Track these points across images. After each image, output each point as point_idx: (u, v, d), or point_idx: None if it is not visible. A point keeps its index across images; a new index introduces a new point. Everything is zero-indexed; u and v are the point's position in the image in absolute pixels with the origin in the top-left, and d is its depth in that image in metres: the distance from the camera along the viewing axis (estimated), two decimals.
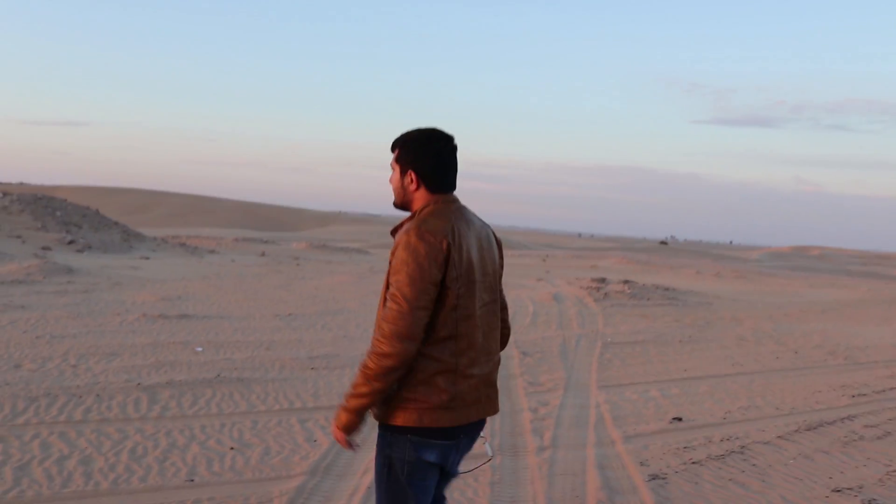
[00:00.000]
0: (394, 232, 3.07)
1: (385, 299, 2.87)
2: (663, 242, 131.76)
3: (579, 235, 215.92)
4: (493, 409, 3.07)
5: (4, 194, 26.15)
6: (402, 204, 3.07)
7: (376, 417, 2.93)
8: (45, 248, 22.45)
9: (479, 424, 3.04)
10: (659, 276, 31.91)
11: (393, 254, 2.86)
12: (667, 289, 20.96)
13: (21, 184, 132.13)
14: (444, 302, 2.82)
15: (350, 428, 2.88)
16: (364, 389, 2.79)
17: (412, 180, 3.00)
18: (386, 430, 2.91)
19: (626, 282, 21.49)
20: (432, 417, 2.83)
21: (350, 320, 13.82)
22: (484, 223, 3.18)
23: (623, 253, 62.57)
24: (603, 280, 21.46)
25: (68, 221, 26.03)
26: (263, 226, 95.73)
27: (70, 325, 11.48)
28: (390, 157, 3.10)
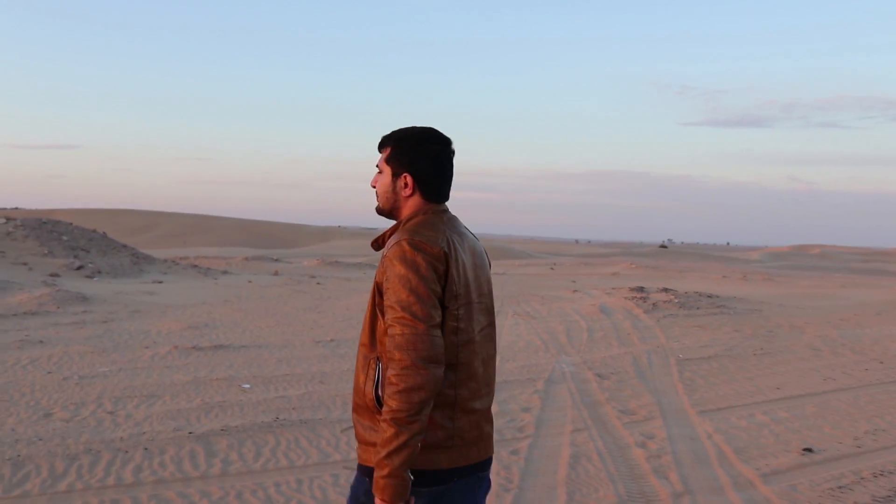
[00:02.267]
0: (376, 244, 2.78)
1: (369, 326, 2.58)
2: (663, 246, 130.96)
3: (577, 242, 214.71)
4: (491, 449, 2.72)
5: (8, 219, 25.08)
6: (389, 210, 2.73)
7: (359, 459, 2.58)
8: (54, 275, 21.38)
9: (478, 467, 2.64)
10: (682, 281, 30.92)
11: (382, 271, 2.50)
12: (710, 296, 19.93)
13: (16, 208, 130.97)
14: (445, 324, 2.48)
15: (399, 495, 2.37)
16: (400, 441, 2.35)
17: (406, 185, 2.66)
18: (365, 474, 2.54)
19: (665, 290, 20.47)
20: (427, 458, 2.47)
21: None
22: (475, 236, 2.83)
23: (629, 258, 61.76)
24: (642, 289, 20.44)
25: (75, 246, 24.95)
26: (264, 243, 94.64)
27: (97, 361, 10.41)
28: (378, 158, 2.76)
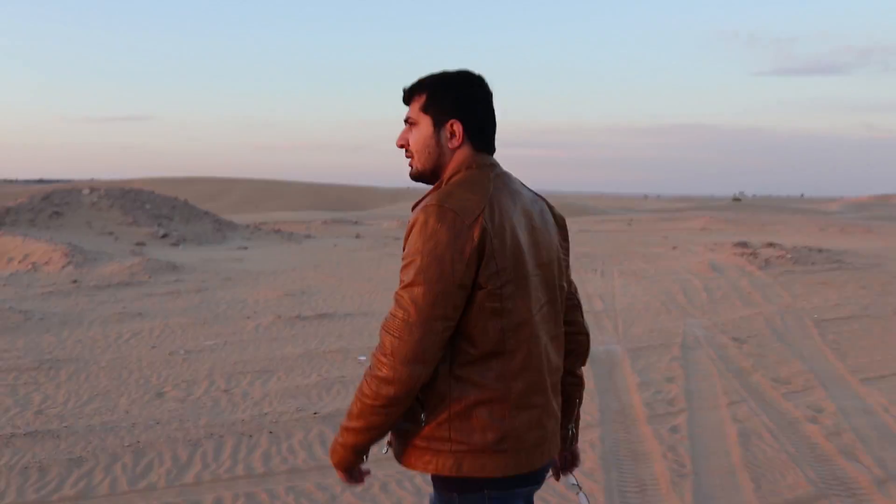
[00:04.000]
0: (415, 208, 2.29)
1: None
2: (736, 199, 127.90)
3: (645, 197, 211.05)
4: (557, 447, 2.34)
5: (92, 190, 24.98)
6: (432, 169, 2.31)
7: (410, 465, 2.23)
8: (140, 244, 21.17)
9: (541, 474, 2.28)
10: (774, 235, 29.64)
11: (406, 237, 2.15)
12: (820, 251, 18.79)
13: (92, 180, 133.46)
14: (480, 305, 2.10)
15: (345, 465, 2.27)
16: (359, 423, 2.17)
17: (454, 133, 2.26)
18: (441, 487, 2.22)
19: (772, 244, 19.40)
20: (476, 464, 2.14)
21: None
22: (537, 196, 2.42)
23: (705, 213, 59.87)
24: (746, 244, 19.40)
25: (158, 214, 24.74)
26: (335, 206, 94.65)
27: (200, 334, 9.94)
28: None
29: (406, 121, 2.33)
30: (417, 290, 2.05)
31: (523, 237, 2.18)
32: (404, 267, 2.11)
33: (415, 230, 2.10)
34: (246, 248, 22.44)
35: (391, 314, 2.10)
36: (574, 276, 15.23)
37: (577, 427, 2.64)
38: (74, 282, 14.42)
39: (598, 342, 9.28)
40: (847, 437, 6.07)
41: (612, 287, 13.73)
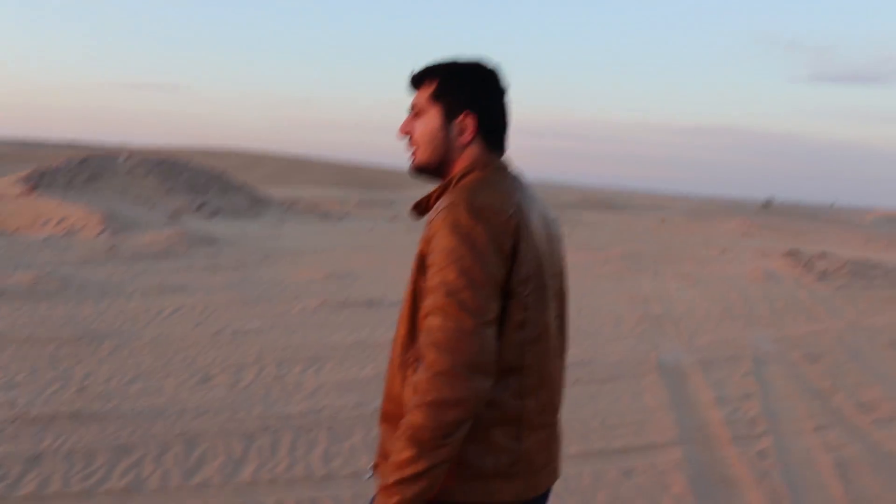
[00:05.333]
0: (419, 208, 2.10)
1: (409, 314, 1.96)
2: (766, 204, 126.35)
3: (675, 196, 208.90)
4: (558, 472, 2.14)
5: (128, 157, 24.64)
6: (437, 165, 2.06)
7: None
8: (175, 214, 20.83)
9: (545, 497, 2.06)
10: (818, 245, 28.93)
11: (427, 241, 1.89)
12: (874, 265, 18.15)
13: (122, 145, 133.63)
14: (508, 314, 1.89)
15: None
16: (418, 468, 1.78)
17: (466, 128, 2.03)
18: None
19: (823, 255, 18.79)
20: (484, 489, 1.91)
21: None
22: (545, 202, 2.15)
23: (738, 215, 58.89)
24: (797, 253, 18.79)
25: (194, 185, 24.37)
26: (366, 185, 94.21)
27: (244, 314, 9.52)
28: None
29: (411, 108, 2.10)
30: (465, 294, 1.81)
31: (543, 245, 2.00)
32: (438, 272, 1.84)
33: (443, 231, 1.86)
34: (282, 224, 22.05)
35: (436, 328, 1.82)
36: (625, 276, 14.99)
37: None
38: (111, 249, 14.08)
39: (664, 350, 8.80)
40: None
41: (666, 290, 13.21)
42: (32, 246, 14.07)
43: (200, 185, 24.81)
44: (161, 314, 9.19)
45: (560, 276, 2.13)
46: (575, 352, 8.53)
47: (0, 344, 7.43)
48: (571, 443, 5.80)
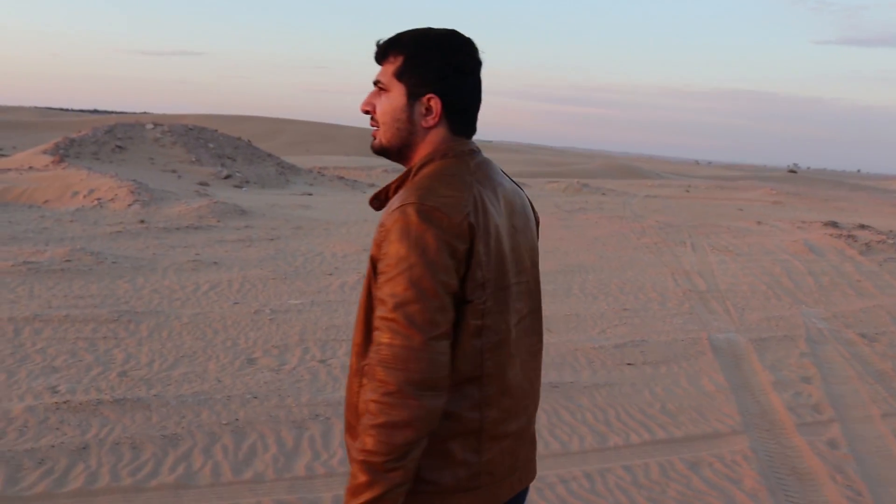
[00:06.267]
0: (377, 202, 1.97)
1: (364, 319, 1.86)
2: (791, 171, 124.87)
3: (697, 163, 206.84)
4: (532, 475, 2.06)
5: (156, 125, 24.46)
6: (398, 148, 1.94)
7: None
8: (203, 184, 20.66)
9: (515, 501, 1.97)
10: (850, 214, 28.43)
11: (378, 245, 1.78)
12: None
13: (145, 113, 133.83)
14: (464, 323, 1.78)
15: None
16: (373, 493, 1.71)
17: (430, 110, 1.89)
18: None
19: (863, 226, 18.37)
20: None
21: (639, 278, 11.30)
22: (516, 184, 2.05)
23: (763, 183, 58.04)
24: (836, 224, 18.38)
25: (222, 154, 24.17)
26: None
27: (282, 291, 9.33)
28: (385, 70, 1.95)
29: (375, 83, 1.96)
30: (413, 308, 1.71)
31: (505, 241, 1.88)
32: (386, 282, 1.73)
33: (392, 237, 1.74)
34: (310, 194, 21.84)
35: (384, 345, 1.73)
36: (662, 248, 14.67)
37: None
38: (142, 222, 13.92)
39: (714, 329, 8.53)
40: None
41: (708, 264, 12.89)
42: (63, 218, 13.93)
43: (227, 154, 24.62)
44: (198, 291, 9.02)
45: (530, 271, 2.00)
46: (624, 331, 8.29)
47: (37, 325, 7.27)
48: (633, 431, 5.59)
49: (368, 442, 1.72)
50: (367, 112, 1.98)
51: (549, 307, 9.20)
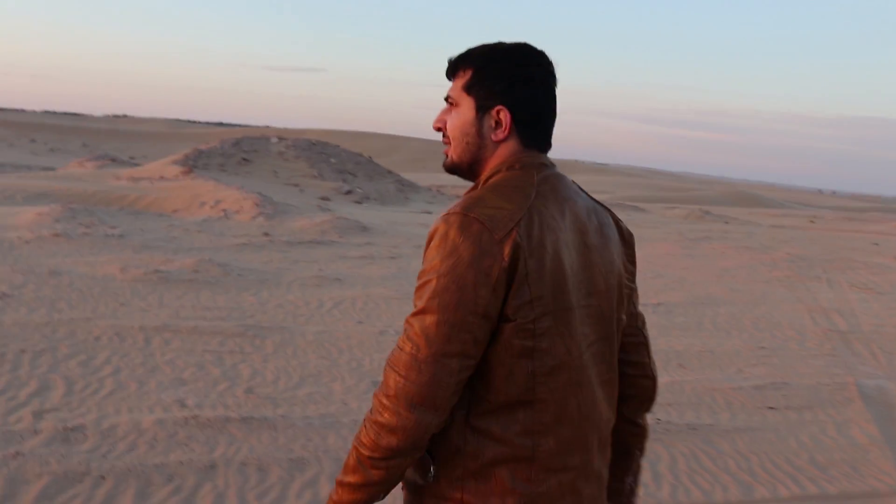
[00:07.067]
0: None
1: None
2: None
3: (820, 192, 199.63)
4: None
5: (280, 139, 24.95)
6: (469, 164, 1.87)
7: None
8: (324, 199, 20.91)
9: None
10: None
11: (425, 252, 1.74)
12: None
13: (267, 126, 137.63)
14: (506, 342, 1.69)
15: None
16: (355, 478, 1.74)
17: (500, 123, 1.82)
18: None
19: None
20: None
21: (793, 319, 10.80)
22: (599, 205, 1.94)
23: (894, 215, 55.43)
24: None
25: (343, 170, 24.46)
26: None
27: (405, 311, 9.20)
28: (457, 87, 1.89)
29: (446, 99, 1.91)
30: (430, 319, 1.65)
31: (570, 258, 1.76)
32: (418, 288, 1.70)
33: (433, 243, 1.70)
34: (430, 212, 21.84)
35: (398, 347, 1.70)
36: (796, 283, 14.01)
37: (636, 480, 2.17)
38: (266, 234, 14.10)
39: (861, 374, 7.99)
40: None
41: (847, 302, 12.21)
42: (191, 228, 14.23)
43: (349, 169, 24.89)
44: (321, 308, 8.97)
45: (607, 293, 1.87)
46: (763, 371, 7.83)
47: (167, 335, 7.32)
48: (780, 483, 5.20)
49: (363, 432, 1.74)
50: (438, 129, 1.93)
51: (681, 341, 8.82)
